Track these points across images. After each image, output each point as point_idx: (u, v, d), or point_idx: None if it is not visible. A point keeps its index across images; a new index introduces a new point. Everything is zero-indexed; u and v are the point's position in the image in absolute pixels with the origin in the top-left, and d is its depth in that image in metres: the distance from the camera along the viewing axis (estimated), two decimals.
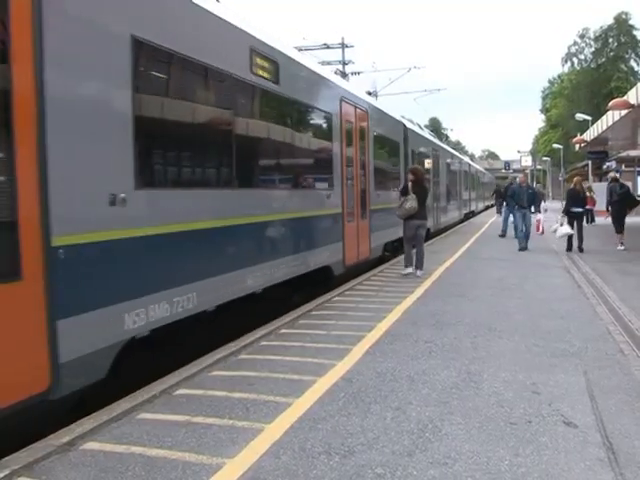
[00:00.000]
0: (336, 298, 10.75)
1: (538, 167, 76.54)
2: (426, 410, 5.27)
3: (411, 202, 13.06)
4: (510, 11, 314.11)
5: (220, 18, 8.06)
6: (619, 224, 19.26)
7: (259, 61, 9.02)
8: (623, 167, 47.20)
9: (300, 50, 23.70)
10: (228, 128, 8.25)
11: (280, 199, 10.09)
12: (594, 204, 34.67)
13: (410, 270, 13.38)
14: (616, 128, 25.36)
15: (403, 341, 7.62)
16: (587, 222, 33.59)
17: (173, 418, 5.15)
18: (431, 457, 4.36)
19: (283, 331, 8.30)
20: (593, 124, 32.72)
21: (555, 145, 74.27)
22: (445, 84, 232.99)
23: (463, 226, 33.43)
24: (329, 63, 34.37)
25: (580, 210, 18.93)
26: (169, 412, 5.30)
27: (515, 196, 20.48)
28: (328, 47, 35.93)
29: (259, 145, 9.48)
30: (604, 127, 26.43)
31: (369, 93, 30.63)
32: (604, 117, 26.19)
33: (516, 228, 20.50)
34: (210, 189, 7.87)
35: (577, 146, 40.30)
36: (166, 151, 7.21)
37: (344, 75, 32.25)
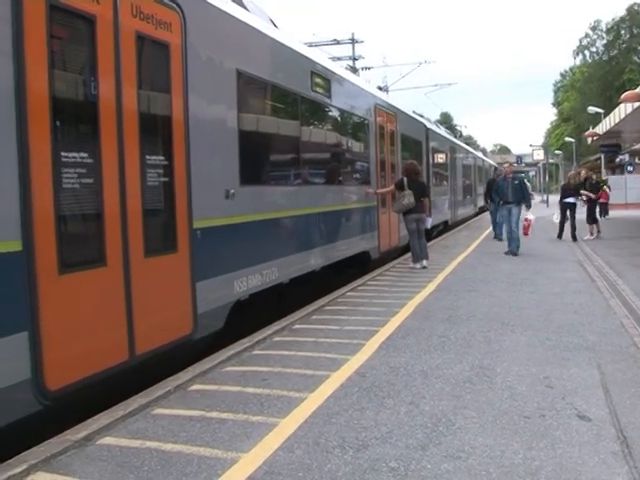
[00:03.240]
0: (349, 293, 10.77)
1: (550, 161, 75.84)
2: (439, 404, 5.28)
3: (408, 198, 13.68)
4: (520, 3, 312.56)
5: (292, 49, 10.16)
6: (589, 216, 21.35)
7: (317, 80, 11.04)
8: (637, 160, 46.94)
9: (310, 46, 23.72)
10: (297, 136, 10.22)
11: (333, 193, 12.01)
12: (607, 197, 34.47)
13: (418, 265, 13.79)
14: (629, 121, 25.21)
15: (416, 336, 7.63)
16: (600, 215, 33.49)
17: (188, 413, 5.18)
18: (445, 451, 4.37)
19: (296, 326, 8.33)
20: (605, 117, 32.53)
21: (567, 138, 74.06)
22: (456, 78, 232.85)
23: (476, 220, 33.39)
24: (339, 59, 34.23)
25: (572, 201, 20.16)
26: (184, 407, 5.34)
27: (499, 190, 17.35)
28: (338, 43, 35.88)
29: (317, 149, 11.49)
30: (617, 120, 26.28)
31: (380, 88, 30.62)
32: (616, 110, 26.04)
33: (495, 226, 20.25)
34: (286, 186, 9.94)
35: (590, 139, 40.09)
36: (257, 156, 8.94)
37: (354, 70, 32.13)
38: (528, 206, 16.66)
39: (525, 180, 17.43)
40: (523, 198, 16.57)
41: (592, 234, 21.01)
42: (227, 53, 7.85)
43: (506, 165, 18.46)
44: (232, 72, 7.90)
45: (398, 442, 4.53)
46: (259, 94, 9.22)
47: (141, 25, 6.07)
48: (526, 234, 16.51)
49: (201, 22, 7.17)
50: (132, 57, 5.94)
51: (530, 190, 18.79)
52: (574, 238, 19.81)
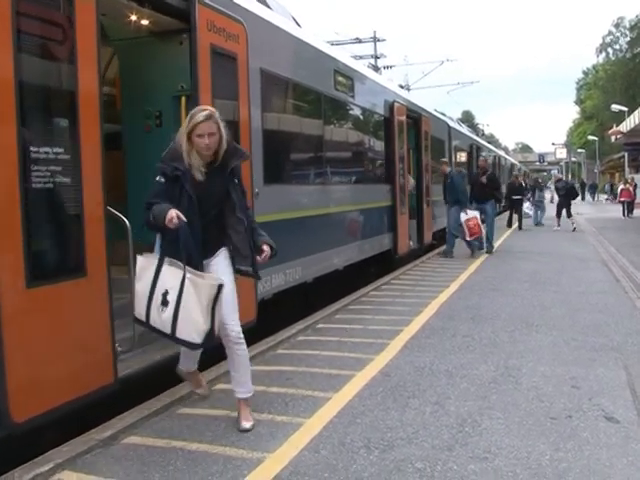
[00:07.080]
0: (372, 292, 10.75)
1: (573, 159, 75.18)
2: (465, 405, 5.25)
3: None
4: (542, 1, 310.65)
5: (316, 48, 10.20)
6: (567, 211, 24.02)
7: (340, 79, 11.02)
8: None
9: (332, 45, 23.69)
10: (320, 135, 10.27)
11: (357, 192, 11.99)
12: (630, 196, 34.00)
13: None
14: None
15: (440, 335, 7.60)
16: (624, 215, 33.13)
17: (213, 413, 5.20)
18: (471, 452, 4.34)
19: (320, 325, 8.33)
20: (629, 115, 32.19)
21: (590, 137, 73.40)
22: (478, 76, 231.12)
23: (499, 219, 33.16)
24: (361, 57, 34.08)
25: (519, 197, 25.13)
26: (209, 407, 5.35)
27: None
28: (360, 41, 35.85)
29: (340, 147, 11.48)
30: None
31: (401, 87, 30.51)
32: None
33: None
34: (309, 185, 10.02)
35: (613, 138, 39.70)
36: (280, 154, 9.04)
37: (376, 69, 32.05)
38: (463, 206, 15.25)
39: (456, 178, 15.69)
40: (459, 198, 15.32)
41: (559, 225, 23.97)
42: (253, 54, 7.75)
43: (443, 161, 17.04)
44: (257, 70, 7.88)
45: (424, 443, 4.51)
46: (281, 91, 9.24)
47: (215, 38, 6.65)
48: (474, 235, 15.21)
49: (254, 32, 7.54)
50: (208, 67, 6.51)
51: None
52: (520, 227, 24.12)
